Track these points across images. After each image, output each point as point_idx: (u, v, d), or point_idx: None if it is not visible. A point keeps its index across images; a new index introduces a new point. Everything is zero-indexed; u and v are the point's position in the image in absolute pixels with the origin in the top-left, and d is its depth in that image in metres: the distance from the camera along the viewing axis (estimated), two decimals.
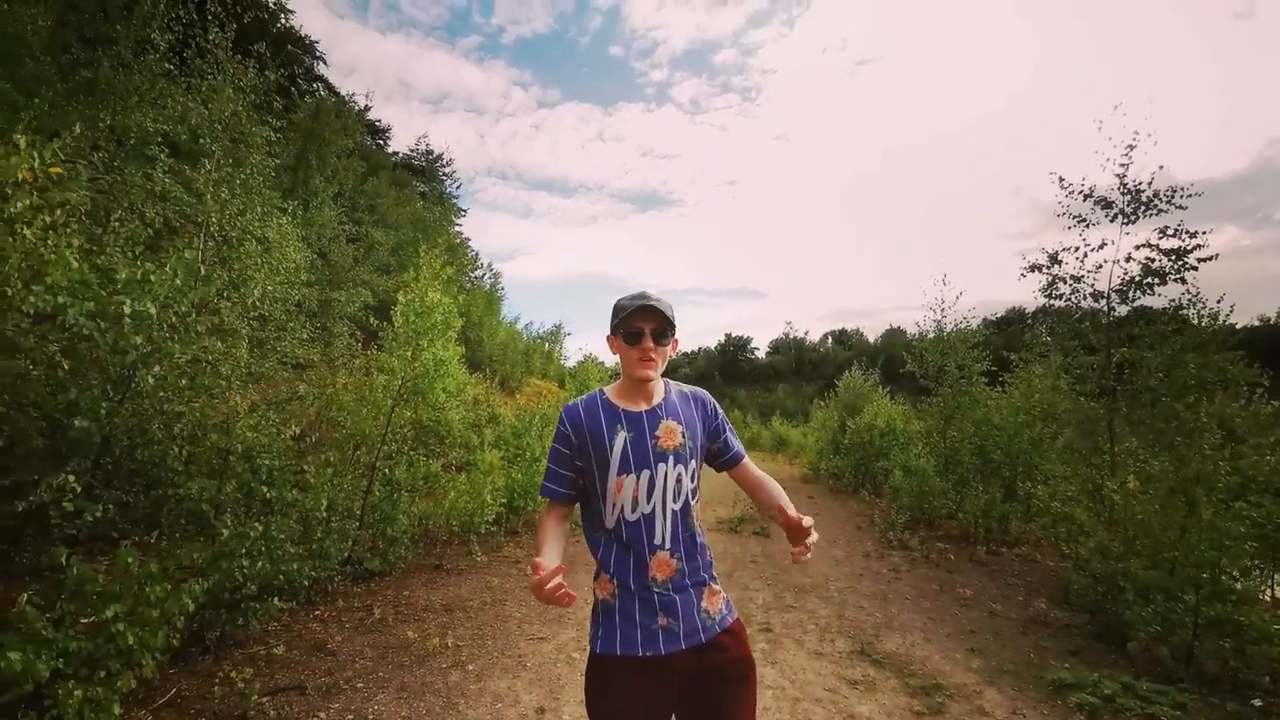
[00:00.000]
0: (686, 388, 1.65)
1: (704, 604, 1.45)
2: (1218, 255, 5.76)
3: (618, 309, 1.53)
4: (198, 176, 5.90)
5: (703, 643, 1.41)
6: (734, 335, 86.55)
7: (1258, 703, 3.55)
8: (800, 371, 75.81)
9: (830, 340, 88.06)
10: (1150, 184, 6.04)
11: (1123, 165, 6.09)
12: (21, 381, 3.24)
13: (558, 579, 1.27)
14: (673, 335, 1.54)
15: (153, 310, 3.33)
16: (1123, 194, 6.10)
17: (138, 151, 6.76)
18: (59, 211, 3.46)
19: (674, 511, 1.45)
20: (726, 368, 79.20)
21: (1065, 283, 6.41)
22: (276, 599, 3.77)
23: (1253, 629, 3.80)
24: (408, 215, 21.54)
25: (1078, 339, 6.48)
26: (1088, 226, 6.30)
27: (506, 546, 6.58)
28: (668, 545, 1.44)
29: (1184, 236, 5.80)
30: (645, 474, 1.44)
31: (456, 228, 28.27)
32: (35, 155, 3.10)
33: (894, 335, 69.91)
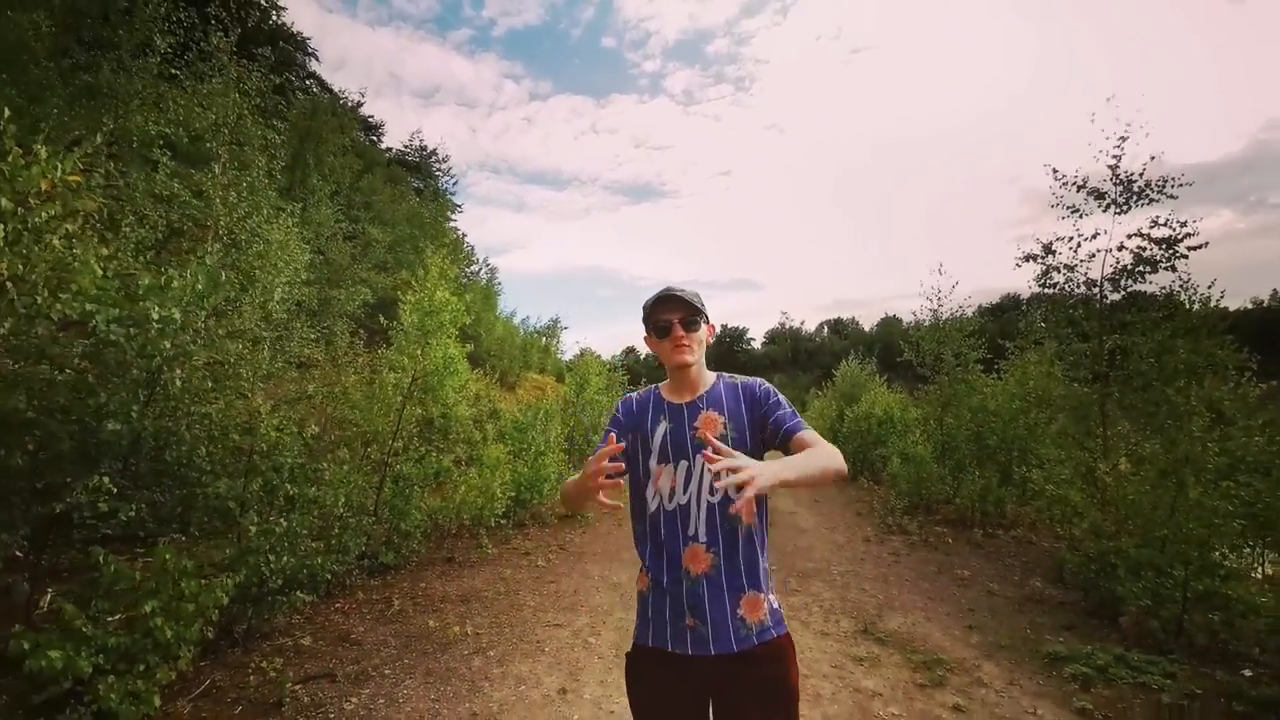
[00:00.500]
0: (740, 378, 1.59)
1: (740, 610, 1.36)
2: (1208, 243, 5.90)
3: (644, 308, 1.56)
4: (205, 180, 5.98)
5: (734, 652, 1.33)
6: (730, 326, 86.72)
7: (1248, 673, 3.69)
8: (797, 361, 76.09)
9: (826, 330, 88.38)
10: (1142, 174, 6.17)
11: (1115, 156, 6.22)
12: (49, 387, 3.34)
13: (608, 463, 1.22)
14: (704, 320, 1.54)
15: (177, 315, 3.43)
16: (1115, 184, 6.23)
17: (139, 155, 6.83)
18: (79, 219, 3.55)
19: (710, 504, 1.40)
20: (722, 359, 79.29)
21: (1059, 271, 6.56)
22: (300, 592, 3.91)
23: (1240, 602, 3.96)
24: (404, 212, 21.55)
25: (1071, 326, 6.63)
26: (1081, 217, 6.43)
27: (515, 539, 6.72)
28: (703, 538, 1.39)
29: (1175, 225, 5.94)
30: (683, 464, 1.43)
31: (452, 223, 28.28)
32: (58, 165, 3.20)
33: (890, 324, 70.21)
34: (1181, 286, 6.10)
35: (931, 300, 9.71)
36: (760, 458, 1.43)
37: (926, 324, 9.93)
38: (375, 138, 28.15)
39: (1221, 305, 6.10)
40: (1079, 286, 6.49)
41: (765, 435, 1.49)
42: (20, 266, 2.80)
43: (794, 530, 7.65)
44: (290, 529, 3.76)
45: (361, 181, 19.57)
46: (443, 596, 4.75)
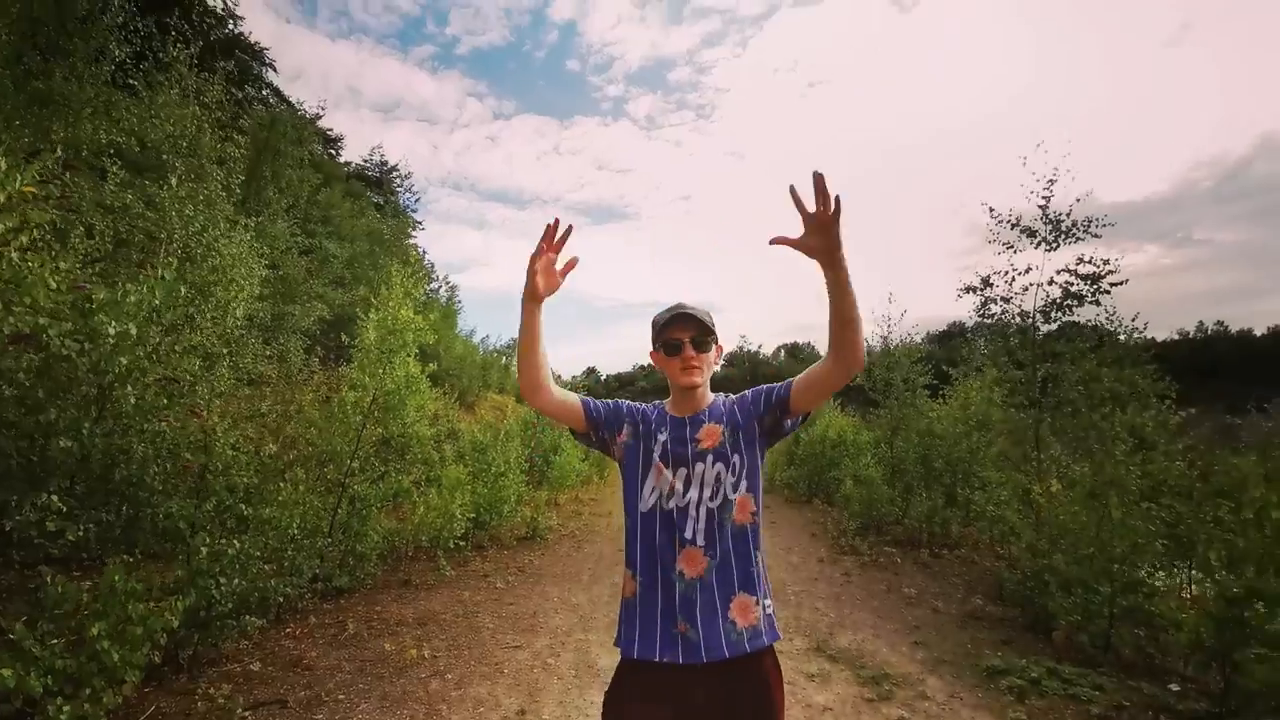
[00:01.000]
0: (735, 396, 1.62)
1: (731, 613, 1.35)
2: (1128, 280, 6.42)
3: (654, 323, 1.55)
4: (159, 192, 5.85)
5: (725, 658, 1.31)
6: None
7: (1175, 688, 3.91)
8: (754, 384, 77.18)
9: (783, 353, 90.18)
10: (1069, 214, 6.68)
11: (1045, 197, 6.72)
12: None
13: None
14: (715, 342, 1.55)
15: (133, 331, 3.38)
16: (1045, 223, 6.72)
17: (87, 164, 6.63)
18: (34, 232, 3.47)
19: (710, 509, 1.40)
20: None
21: (996, 303, 7.01)
22: (251, 616, 3.81)
23: (1162, 618, 4.26)
24: (362, 227, 21.25)
25: (1007, 355, 7.06)
26: (1015, 252, 6.91)
27: (474, 561, 6.65)
28: (700, 542, 1.38)
29: (1099, 263, 6.44)
30: (683, 471, 1.43)
31: (412, 240, 27.98)
32: (18, 177, 3.14)
33: None
34: (1108, 319, 6.62)
35: (881, 327, 10.15)
36: (762, 456, 1.50)
37: (877, 350, 10.36)
38: (334, 151, 27.69)
39: (1149, 336, 6.63)
40: (1014, 317, 6.94)
41: (770, 419, 1.50)
42: None
43: None
44: (243, 550, 3.68)
45: (319, 195, 19.23)
46: (399, 619, 4.68)
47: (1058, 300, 6.61)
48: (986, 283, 7.09)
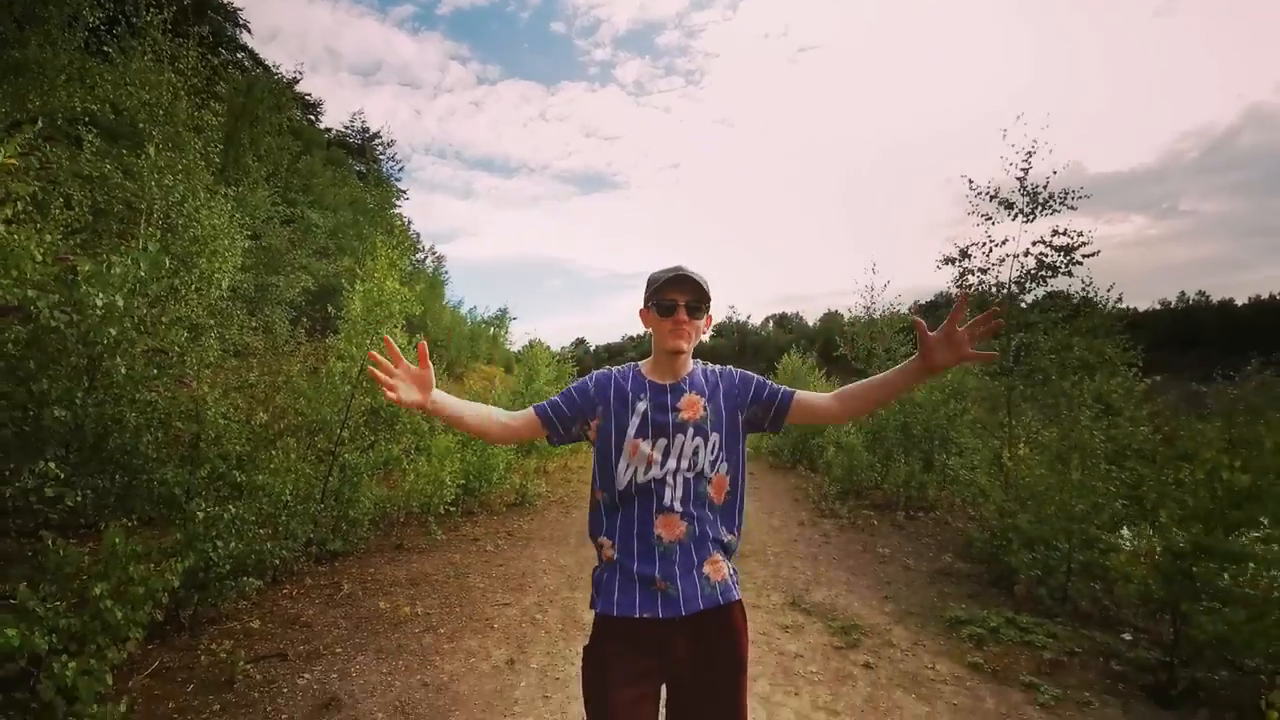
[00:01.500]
0: (716, 367, 1.62)
1: (705, 569, 1.42)
2: (1099, 252, 6.57)
3: (651, 281, 1.52)
4: (136, 161, 5.78)
5: (700, 610, 1.38)
6: None
7: (1127, 636, 4.19)
8: (743, 355, 77.94)
9: (771, 324, 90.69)
10: (1046, 186, 6.79)
11: (1023, 169, 6.81)
12: None
13: (392, 372, 1.39)
14: (708, 310, 1.52)
15: (120, 302, 3.42)
16: (1023, 195, 6.83)
17: (63, 133, 6.52)
18: (17, 204, 3.48)
19: (687, 479, 1.44)
20: None
21: (973, 274, 7.15)
22: (249, 578, 3.96)
23: (1115, 571, 4.53)
24: (345, 196, 20.95)
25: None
26: (994, 224, 7.02)
27: (464, 526, 6.83)
28: (678, 509, 1.42)
29: (1073, 235, 6.58)
30: (662, 441, 1.44)
31: (397, 209, 27.60)
32: (0, 150, 3.14)
33: (832, 319, 72.75)
34: (1084, 289, 6.81)
35: (865, 297, 10.30)
36: (742, 440, 1.54)
37: (861, 320, 10.53)
38: (313, 117, 27.06)
39: (1129, 307, 6.83)
40: (991, 288, 7.09)
41: (757, 411, 1.55)
42: None
43: None
44: (238, 515, 3.80)
45: (299, 163, 18.90)
46: (392, 580, 4.86)
47: (1032, 271, 6.77)
48: (964, 254, 7.23)
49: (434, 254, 27.45)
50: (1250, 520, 3.52)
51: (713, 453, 1.47)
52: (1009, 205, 6.84)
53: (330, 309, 6.66)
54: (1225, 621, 3.25)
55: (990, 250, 6.99)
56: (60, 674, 2.75)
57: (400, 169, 31.41)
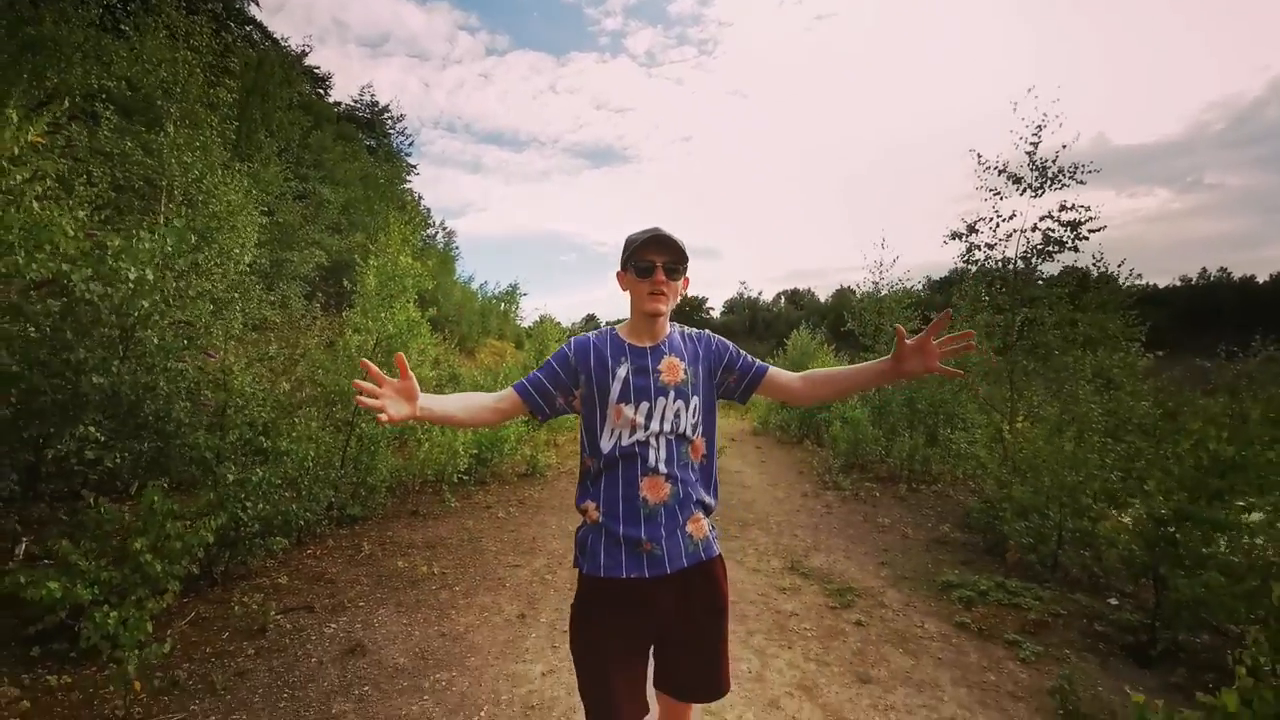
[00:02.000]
0: (692, 330, 1.64)
1: (689, 528, 1.46)
2: (1105, 226, 6.56)
3: (628, 243, 1.51)
4: (155, 139, 5.93)
5: (684, 567, 1.42)
6: (689, 295, 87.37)
7: (1113, 601, 4.36)
8: (754, 330, 77.86)
9: (783, 300, 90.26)
10: (1055, 160, 6.76)
11: (1033, 144, 6.78)
12: (28, 344, 3.49)
13: (379, 390, 1.36)
14: (684, 271, 1.52)
15: (150, 275, 3.60)
16: (1031, 170, 6.81)
17: (81, 109, 6.67)
18: (48, 181, 3.65)
19: (670, 440, 1.46)
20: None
21: (980, 250, 7.17)
22: (277, 537, 4.20)
23: (1101, 538, 4.67)
24: (356, 171, 21.02)
25: (987, 300, 7.28)
26: (1001, 199, 7.02)
27: (477, 495, 7.08)
28: (663, 470, 1.44)
29: (1080, 210, 6.57)
30: (644, 405, 1.45)
31: (407, 184, 27.64)
32: (29, 128, 3.30)
33: (843, 295, 72.23)
34: (1093, 264, 6.84)
35: (873, 273, 10.32)
36: (715, 405, 1.59)
37: (870, 295, 10.58)
38: (322, 91, 26.99)
39: (1147, 284, 6.80)
40: (998, 264, 7.12)
41: (729, 381, 1.60)
42: None
43: (739, 487, 8.24)
44: (265, 478, 4.02)
45: (310, 139, 18.96)
46: (409, 543, 5.10)
47: (1039, 247, 6.78)
48: (972, 229, 7.24)
49: (444, 229, 27.52)
50: (1233, 489, 3.63)
51: (694, 416, 1.49)
52: (1017, 180, 6.83)
53: (345, 283, 6.81)
54: (1204, 585, 3.39)
55: (997, 225, 7.00)
56: (102, 621, 2.99)
57: (410, 143, 31.33)
